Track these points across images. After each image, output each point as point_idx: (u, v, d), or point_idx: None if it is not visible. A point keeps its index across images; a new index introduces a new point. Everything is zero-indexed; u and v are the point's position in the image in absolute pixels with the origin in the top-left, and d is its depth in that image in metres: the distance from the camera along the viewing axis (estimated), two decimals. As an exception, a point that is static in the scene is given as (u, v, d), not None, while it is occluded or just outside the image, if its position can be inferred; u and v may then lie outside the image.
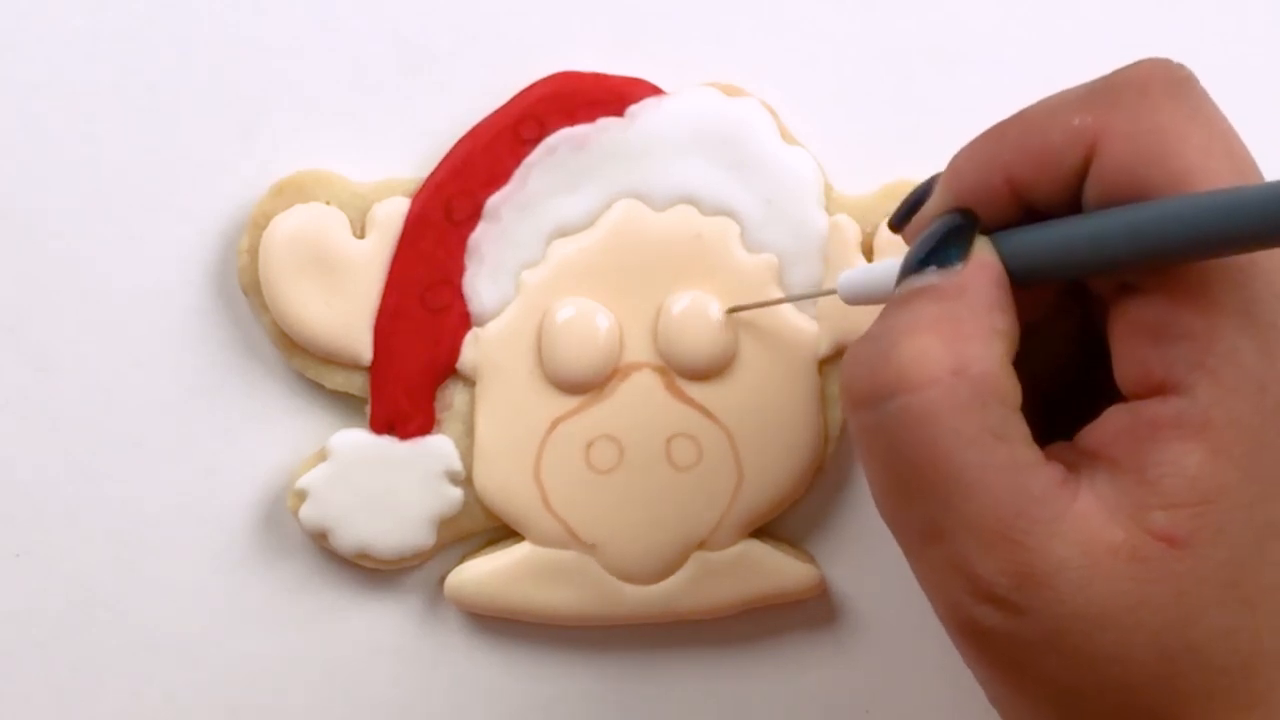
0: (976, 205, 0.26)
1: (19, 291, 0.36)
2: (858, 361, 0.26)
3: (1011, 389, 0.25)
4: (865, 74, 0.36)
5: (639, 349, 0.35)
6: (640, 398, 0.35)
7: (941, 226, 0.26)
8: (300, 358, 0.35)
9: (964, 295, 0.25)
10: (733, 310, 0.35)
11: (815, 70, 0.36)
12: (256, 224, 0.35)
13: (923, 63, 0.36)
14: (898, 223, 0.29)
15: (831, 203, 0.35)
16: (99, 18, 0.36)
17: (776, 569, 0.35)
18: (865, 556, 0.36)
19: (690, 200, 0.35)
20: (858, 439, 0.26)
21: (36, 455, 0.36)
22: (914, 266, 0.26)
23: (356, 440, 0.35)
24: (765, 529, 0.36)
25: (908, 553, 0.26)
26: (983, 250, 0.26)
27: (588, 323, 0.35)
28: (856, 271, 0.30)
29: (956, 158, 0.27)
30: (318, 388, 0.36)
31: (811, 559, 0.36)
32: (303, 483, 0.35)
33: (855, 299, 0.30)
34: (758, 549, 0.35)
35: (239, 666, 0.36)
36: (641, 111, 0.35)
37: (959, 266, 0.26)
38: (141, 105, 0.36)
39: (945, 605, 0.25)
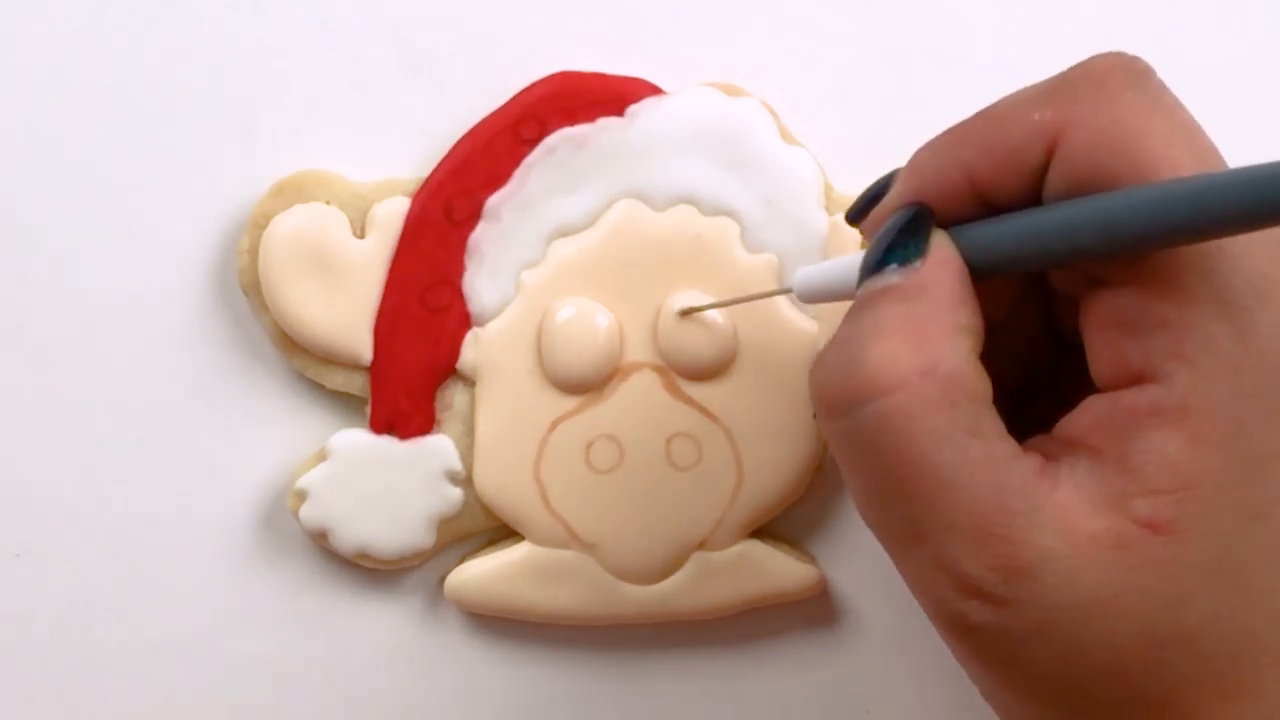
0: (935, 201, 0.27)
1: (19, 291, 0.36)
2: (826, 369, 0.26)
3: (981, 385, 0.25)
4: (865, 74, 0.36)
5: (639, 349, 0.35)
6: (640, 398, 0.35)
7: (898, 222, 0.26)
8: (300, 358, 0.35)
9: (926, 294, 0.25)
10: (686, 312, 0.34)
11: (815, 70, 0.36)
12: (256, 224, 0.35)
13: (923, 63, 0.36)
14: (854, 216, 0.29)
15: (831, 203, 0.35)
16: (99, 18, 0.36)
17: (776, 569, 0.35)
18: (865, 556, 0.36)
19: (690, 200, 0.35)
20: (834, 446, 0.26)
21: (36, 455, 0.36)
22: (873, 266, 0.26)
23: (356, 440, 0.35)
24: (765, 529, 0.36)
25: (892, 554, 0.26)
26: (942, 245, 0.26)
27: (588, 323, 0.35)
28: (812, 270, 0.30)
29: (917, 154, 0.27)
30: (318, 388, 0.36)
31: (812, 559, 0.36)
32: (303, 483, 0.35)
33: (811, 297, 0.30)
34: (758, 549, 0.35)
35: (239, 666, 0.36)
36: (641, 111, 0.35)
37: (918, 264, 0.26)
38: (141, 105, 0.36)
39: (933, 603, 0.25)
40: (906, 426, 0.24)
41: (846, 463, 0.26)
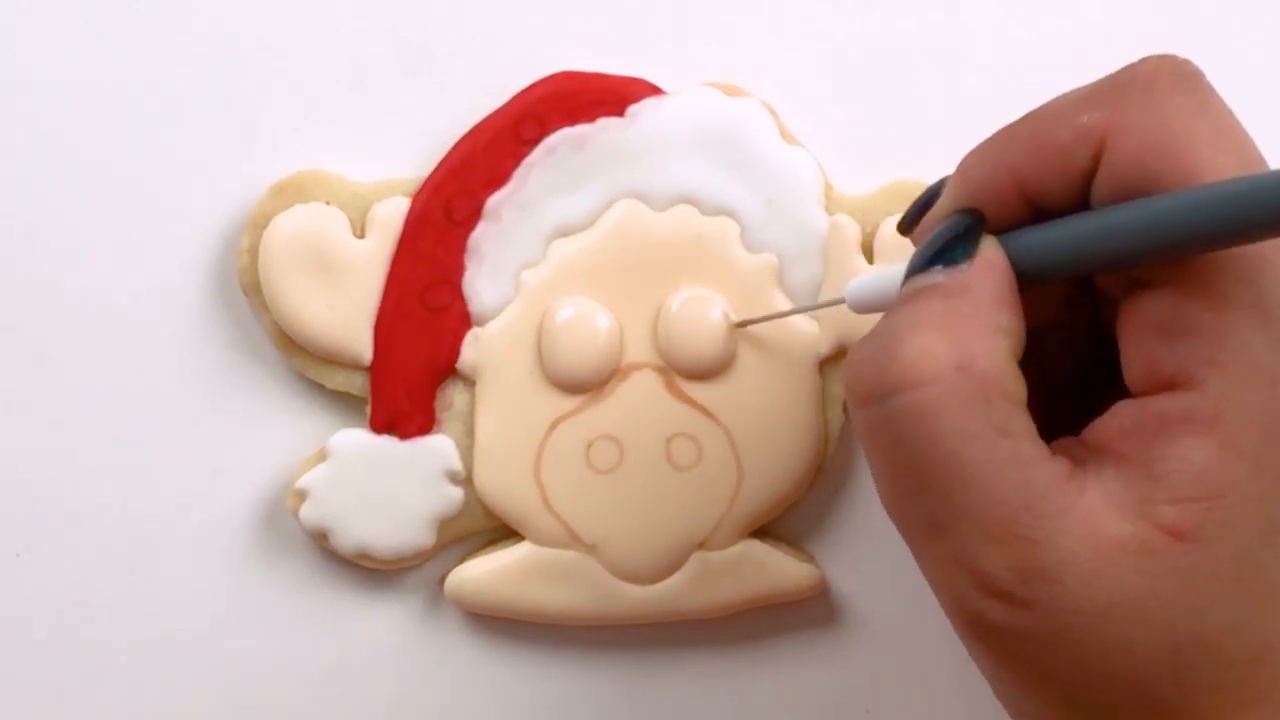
0: (985, 207, 0.26)
1: (19, 291, 0.36)
2: (862, 359, 0.26)
3: (1015, 385, 0.25)
4: (865, 74, 0.36)
5: (639, 349, 0.35)
6: (640, 398, 0.35)
7: (949, 227, 0.26)
8: (300, 358, 0.35)
9: (969, 292, 0.25)
10: (741, 325, 0.35)
11: (815, 70, 0.36)
12: (256, 224, 0.35)
13: (923, 63, 0.36)
14: (907, 226, 0.29)
15: (831, 203, 0.35)
16: (99, 18, 0.36)
17: (776, 569, 0.35)
18: (865, 556, 0.36)
19: (690, 200, 0.35)
20: (862, 435, 0.26)
21: (36, 455, 0.36)
22: (920, 266, 0.26)
23: (356, 440, 0.35)
24: (765, 529, 0.36)
25: (913, 548, 0.26)
26: (990, 249, 0.26)
27: (588, 323, 0.35)
28: (864, 280, 0.30)
29: (965, 160, 0.27)
30: (318, 388, 0.36)
31: (811, 559, 0.36)
32: (303, 483, 0.35)
33: (864, 307, 0.30)
34: (758, 549, 0.35)
35: (239, 666, 0.36)
36: (641, 111, 0.35)
37: (965, 265, 0.26)
38: (141, 105, 0.36)
39: (951, 600, 0.25)
40: (936, 420, 0.24)
41: (873, 452, 0.26)
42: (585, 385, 0.35)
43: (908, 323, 0.25)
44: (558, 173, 0.35)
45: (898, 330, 0.25)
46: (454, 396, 0.35)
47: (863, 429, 0.26)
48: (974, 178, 0.27)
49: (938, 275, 0.26)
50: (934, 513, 0.25)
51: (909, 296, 0.26)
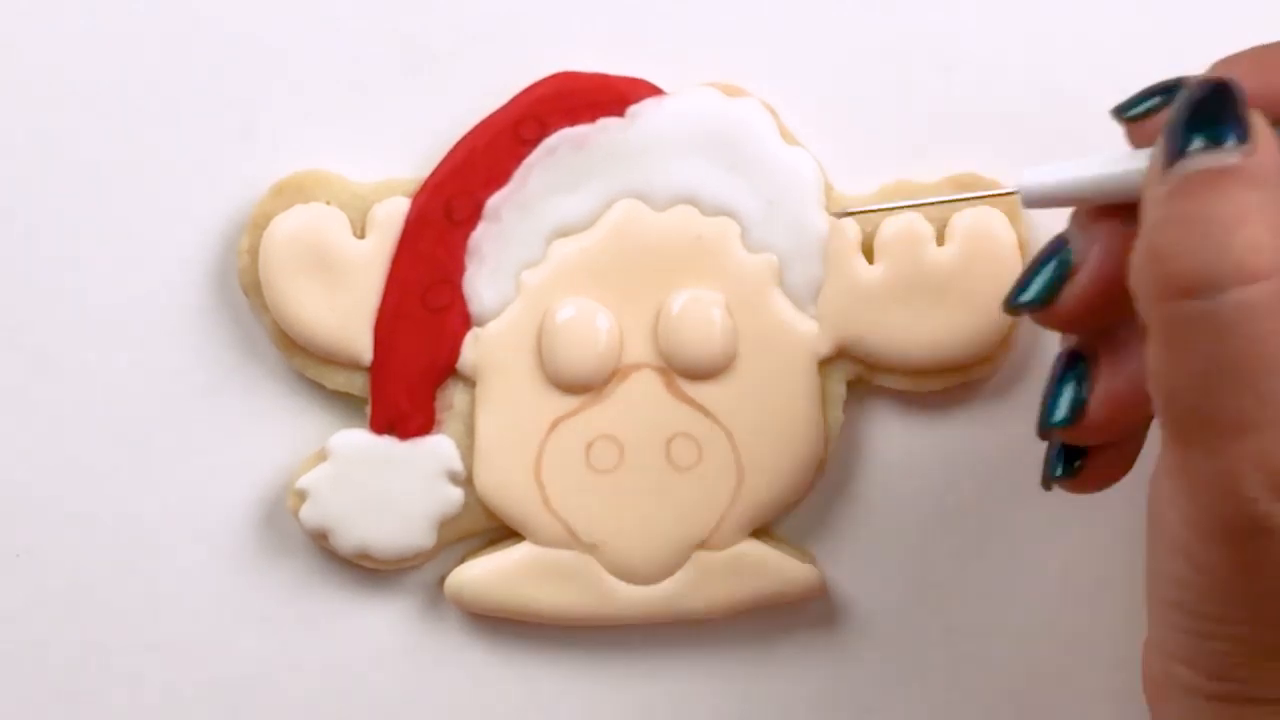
0: (1258, 99, 0.26)
1: (19, 292, 0.36)
2: (1180, 250, 0.25)
3: None
4: (865, 74, 0.36)
5: (639, 349, 0.35)
6: (640, 398, 0.35)
7: (1213, 94, 0.25)
8: (300, 358, 0.35)
9: (1271, 180, 0.25)
10: (842, 215, 0.34)
11: (815, 70, 0.36)
12: (256, 224, 0.35)
13: (923, 63, 0.36)
14: (1124, 109, 0.28)
15: (831, 203, 0.35)
16: (99, 18, 0.36)
17: (776, 569, 0.35)
18: (865, 556, 0.36)
19: (690, 200, 0.35)
20: (1170, 328, 0.25)
21: (36, 455, 0.36)
22: (1183, 137, 0.25)
23: (356, 440, 0.35)
24: (765, 529, 0.36)
25: (1193, 447, 0.25)
26: (1263, 127, 0.25)
27: (588, 323, 0.35)
28: (1043, 170, 0.28)
29: (1237, 59, 0.26)
30: (318, 388, 0.36)
31: (811, 559, 0.36)
32: (303, 483, 0.35)
33: (1039, 201, 0.28)
34: (758, 549, 0.35)
35: (239, 666, 0.36)
36: (641, 111, 0.35)
37: (1248, 145, 0.25)
38: (141, 105, 0.36)
39: (1229, 501, 0.25)
40: (1266, 317, 0.24)
41: (1182, 346, 0.25)
42: (585, 385, 0.35)
43: (1231, 214, 0.24)
44: (558, 173, 0.35)
45: (1222, 221, 0.24)
46: (454, 396, 0.35)
47: (1174, 322, 0.25)
48: (1250, 78, 0.26)
49: (1233, 156, 0.25)
50: (1242, 410, 0.24)
51: (1208, 181, 0.25)
